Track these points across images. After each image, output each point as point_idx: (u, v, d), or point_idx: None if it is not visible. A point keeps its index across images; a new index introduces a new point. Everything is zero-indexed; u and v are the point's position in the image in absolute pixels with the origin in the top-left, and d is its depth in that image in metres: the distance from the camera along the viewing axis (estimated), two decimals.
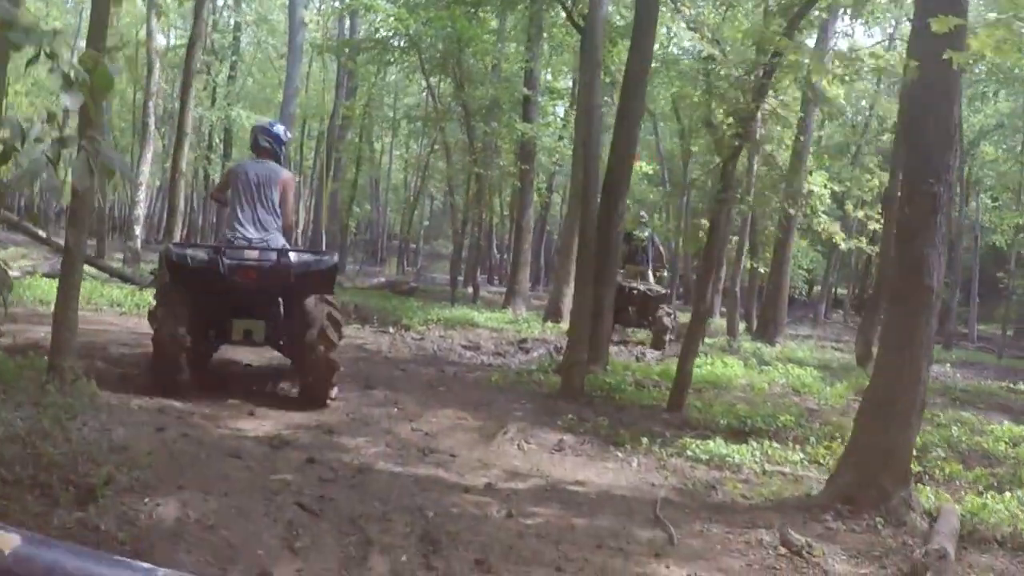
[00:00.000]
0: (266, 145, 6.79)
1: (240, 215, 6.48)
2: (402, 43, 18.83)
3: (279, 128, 7.07)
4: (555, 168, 22.53)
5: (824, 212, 15.92)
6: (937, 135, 5.10)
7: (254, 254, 6.33)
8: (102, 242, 20.82)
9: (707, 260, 8.50)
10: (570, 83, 24.00)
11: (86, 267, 15.17)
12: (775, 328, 18.77)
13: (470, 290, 21.68)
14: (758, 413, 7.74)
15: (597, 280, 8.36)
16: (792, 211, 15.20)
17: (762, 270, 19.18)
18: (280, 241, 6.55)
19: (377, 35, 19.77)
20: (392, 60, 19.60)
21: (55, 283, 12.19)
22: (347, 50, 20.84)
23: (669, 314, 14.40)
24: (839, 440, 6.81)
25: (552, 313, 15.38)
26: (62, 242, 15.47)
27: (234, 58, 30.62)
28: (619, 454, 6.29)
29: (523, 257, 18.29)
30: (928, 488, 5.74)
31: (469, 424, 6.73)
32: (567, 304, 15.81)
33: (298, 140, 36.09)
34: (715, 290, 25.11)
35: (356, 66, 22.73)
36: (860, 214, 19.09)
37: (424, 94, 24.80)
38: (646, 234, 14.72)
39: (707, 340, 16.65)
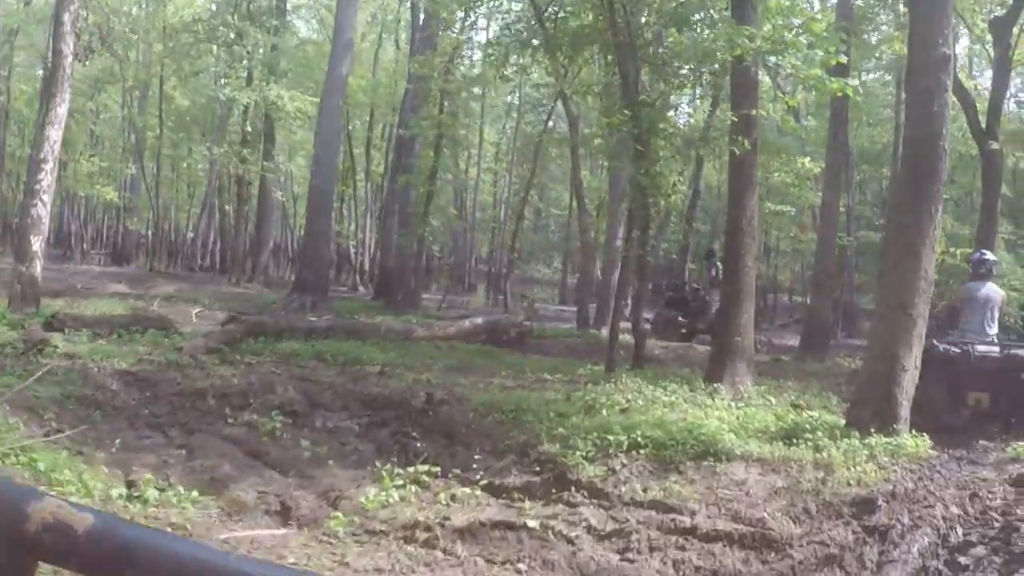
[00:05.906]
0: (984, 272, 9.14)
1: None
2: None
3: (990, 255, 9.74)
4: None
5: None
6: None
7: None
8: None
9: None
10: None
11: None
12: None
13: (604, 331, 13.59)
14: None
15: None
16: None
17: None
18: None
19: None
20: None
21: None
22: None
23: None
24: None
25: (877, 410, 6.87)
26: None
27: (275, 22, 22.96)
28: None
29: (744, 282, 9.91)
30: None
31: None
32: (907, 386, 7.25)
33: (363, 137, 28.54)
34: None
35: None
36: None
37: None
38: None
39: None
